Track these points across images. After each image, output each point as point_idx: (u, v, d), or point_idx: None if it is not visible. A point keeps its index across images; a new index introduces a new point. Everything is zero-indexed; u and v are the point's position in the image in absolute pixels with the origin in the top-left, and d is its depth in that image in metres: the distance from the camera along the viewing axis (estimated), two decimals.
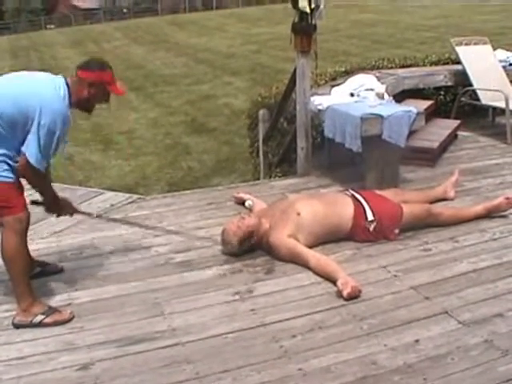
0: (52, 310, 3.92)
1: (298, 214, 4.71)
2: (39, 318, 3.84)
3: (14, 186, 3.82)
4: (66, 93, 3.82)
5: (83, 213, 4.88)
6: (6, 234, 3.80)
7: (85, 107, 4.02)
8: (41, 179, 3.93)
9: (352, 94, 6.71)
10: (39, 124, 3.64)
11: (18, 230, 3.80)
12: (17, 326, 3.84)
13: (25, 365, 3.48)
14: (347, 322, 3.78)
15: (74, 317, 3.93)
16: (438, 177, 6.30)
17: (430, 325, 3.68)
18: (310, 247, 4.61)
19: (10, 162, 3.74)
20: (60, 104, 3.75)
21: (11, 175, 3.76)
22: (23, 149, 3.68)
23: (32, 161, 3.68)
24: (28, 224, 3.90)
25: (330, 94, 6.89)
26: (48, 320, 3.85)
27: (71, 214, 4.46)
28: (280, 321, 3.82)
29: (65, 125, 3.75)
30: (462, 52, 8.46)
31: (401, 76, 8.33)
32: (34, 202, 4.22)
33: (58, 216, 4.43)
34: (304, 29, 6.10)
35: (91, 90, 3.91)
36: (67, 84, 3.86)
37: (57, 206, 4.29)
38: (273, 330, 3.72)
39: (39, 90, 3.73)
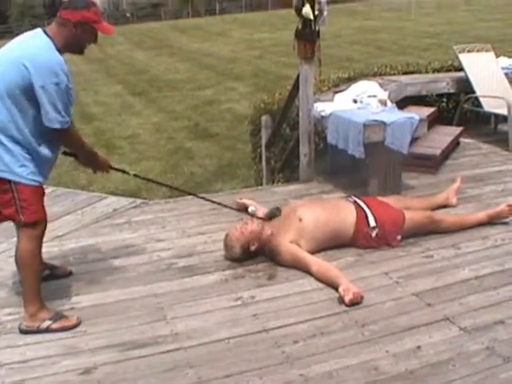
0: (59, 316, 3.91)
1: (300, 219, 4.72)
2: (46, 323, 3.84)
3: (38, 191, 3.82)
4: (50, 42, 3.66)
5: (119, 170, 4.76)
6: (23, 238, 3.79)
7: (73, 50, 3.83)
8: (73, 139, 3.93)
9: (355, 101, 6.72)
10: (41, 87, 3.54)
11: (34, 236, 3.80)
12: (24, 332, 3.83)
13: (27, 368, 3.49)
14: (349, 327, 3.79)
15: (80, 322, 3.93)
16: (441, 183, 6.31)
17: (432, 331, 3.69)
18: (312, 253, 4.61)
19: (36, 158, 3.72)
20: (49, 56, 3.61)
21: (36, 178, 3.76)
22: (44, 122, 3.62)
23: (56, 126, 3.65)
24: (45, 229, 3.90)
25: (332, 100, 6.91)
26: (55, 325, 3.85)
27: (107, 171, 4.41)
28: (282, 326, 3.82)
29: (65, 72, 3.64)
30: (465, 59, 8.47)
31: (403, 83, 8.35)
32: (66, 153, 4.17)
33: (95, 172, 4.36)
34: (307, 35, 6.11)
35: (77, 30, 3.73)
36: (45, 32, 3.70)
37: (94, 162, 4.24)
38: (275, 336, 3.72)
39: (22, 55, 3.59)
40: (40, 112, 3.63)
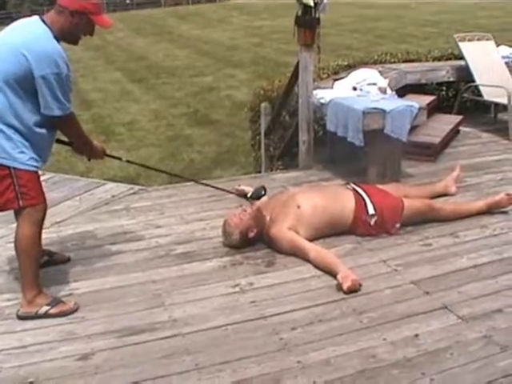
0: (57, 301, 3.91)
1: (299, 206, 4.72)
2: (44, 308, 3.83)
3: (36, 176, 3.82)
4: (48, 30, 3.64)
5: (113, 156, 4.76)
6: (23, 223, 3.79)
7: (67, 39, 3.79)
8: (73, 126, 3.93)
9: (355, 88, 6.71)
10: (41, 77, 3.53)
11: (35, 221, 3.80)
12: (22, 318, 3.82)
13: (25, 354, 3.49)
14: (347, 315, 3.79)
15: (78, 308, 3.93)
16: (440, 172, 6.30)
17: (430, 319, 3.69)
18: (311, 240, 4.61)
19: (35, 144, 3.72)
20: (49, 45, 3.60)
21: (35, 164, 3.75)
22: (42, 111, 3.64)
23: (56, 113, 3.66)
24: (45, 215, 3.89)
25: (332, 87, 6.89)
26: (53, 311, 3.84)
27: (102, 158, 4.41)
28: (280, 313, 3.82)
29: (65, 61, 3.63)
30: (465, 48, 8.44)
31: (403, 71, 8.32)
32: (59, 141, 4.16)
33: (89, 159, 4.37)
34: (307, 22, 6.09)
35: (73, 19, 3.70)
36: (43, 20, 3.68)
37: (89, 150, 4.24)
38: (273, 323, 3.73)
39: (21, 43, 3.56)
40: (38, 100, 3.62)
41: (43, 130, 3.76)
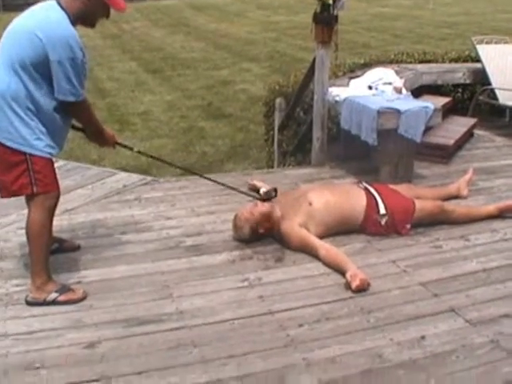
0: (66, 289, 3.94)
1: (310, 203, 4.72)
2: (53, 295, 3.86)
3: (51, 163, 3.84)
4: (64, 14, 3.65)
5: (124, 146, 4.74)
6: (35, 209, 3.81)
7: (85, 22, 3.82)
8: (85, 112, 3.94)
9: (370, 87, 6.67)
10: (57, 62, 3.55)
11: (47, 207, 3.82)
12: (30, 304, 3.85)
13: (32, 340, 3.51)
14: (354, 314, 3.79)
15: (86, 296, 3.95)
16: (452, 174, 6.28)
17: (437, 322, 3.69)
18: (321, 238, 4.61)
19: (51, 130, 3.75)
20: (64, 29, 3.60)
21: (51, 151, 3.78)
22: (56, 95, 3.65)
23: (70, 99, 3.67)
24: (57, 202, 3.92)
25: (347, 85, 6.87)
26: (62, 298, 3.87)
27: (113, 146, 4.43)
28: (287, 309, 3.84)
29: (80, 46, 3.64)
30: (483, 50, 8.39)
31: (419, 71, 8.29)
32: (73, 127, 4.17)
33: (101, 146, 4.40)
34: (325, 20, 6.07)
35: (89, 2, 3.72)
36: (59, 4, 3.68)
37: (101, 137, 4.24)
38: (280, 319, 3.74)
39: (36, 26, 3.57)
40: (53, 84, 3.63)
41: (59, 116, 3.78)
